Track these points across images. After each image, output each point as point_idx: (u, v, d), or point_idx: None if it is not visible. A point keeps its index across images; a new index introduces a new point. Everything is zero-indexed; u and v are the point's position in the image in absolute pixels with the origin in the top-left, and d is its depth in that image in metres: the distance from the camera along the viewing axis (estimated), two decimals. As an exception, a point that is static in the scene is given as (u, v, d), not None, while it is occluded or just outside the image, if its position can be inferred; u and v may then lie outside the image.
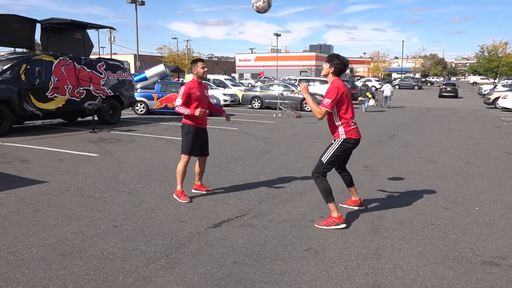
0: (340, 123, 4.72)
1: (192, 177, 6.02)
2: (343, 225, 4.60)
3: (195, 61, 5.58)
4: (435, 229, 4.61)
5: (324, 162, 4.73)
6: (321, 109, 4.59)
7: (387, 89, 24.70)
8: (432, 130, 13.71)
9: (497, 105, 23.13)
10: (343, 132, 4.71)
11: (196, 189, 5.94)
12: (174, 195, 5.60)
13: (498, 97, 23.46)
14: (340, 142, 4.73)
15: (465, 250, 4.06)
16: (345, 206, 5.31)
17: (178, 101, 5.39)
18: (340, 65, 4.66)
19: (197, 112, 5.27)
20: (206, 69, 5.55)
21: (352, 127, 4.74)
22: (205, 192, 5.89)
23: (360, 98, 21.67)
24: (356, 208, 5.27)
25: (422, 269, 3.64)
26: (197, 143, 5.56)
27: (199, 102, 5.48)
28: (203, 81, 5.66)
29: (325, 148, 4.84)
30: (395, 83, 58.66)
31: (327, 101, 4.56)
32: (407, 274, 3.54)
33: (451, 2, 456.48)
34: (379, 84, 50.39)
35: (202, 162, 5.85)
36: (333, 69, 4.67)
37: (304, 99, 20.36)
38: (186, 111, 5.36)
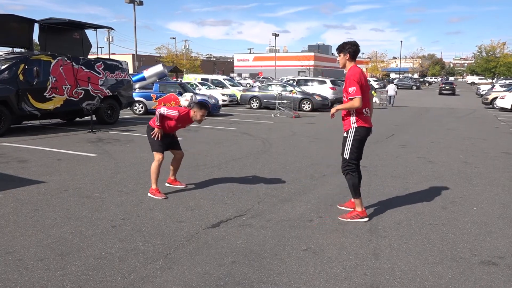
0: (354, 110, 4.67)
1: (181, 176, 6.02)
2: (366, 219, 4.81)
3: (202, 106, 5.63)
4: (433, 229, 4.62)
5: (347, 158, 4.78)
6: (353, 100, 4.53)
7: (391, 88, 25.54)
8: (430, 130, 13.74)
9: (495, 105, 23.19)
10: (354, 121, 4.70)
11: (169, 183, 6.12)
12: (149, 194, 5.66)
13: (496, 97, 23.52)
14: (353, 133, 4.72)
15: (463, 249, 4.07)
16: (343, 208, 5.21)
17: (164, 110, 5.50)
18: (352, 47, 4.68)
19: (156, 130, 5.56)
20: (204, 119, 5.66)
21: (364, 115, 4.75)
22: (178, 187, 6.04)
23: None
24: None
25: (421, 269, 3.64)
26: (164, 140, 5.70)
27: (177, 127, 5.72)
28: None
29: (342, 144, 4.86)
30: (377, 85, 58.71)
31: (352, 89, 4.53)
32: (405, 274, 3.55)
33: (449, 3, 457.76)
34: (377, 84, 50.60)
35: (179, 158, 5.99)
36: (348, 55, 4.68)
37: (302, 98, 20.41)
38: (157, 122, 5.56)
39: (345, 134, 4.79)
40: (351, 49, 4.67)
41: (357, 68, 4.70)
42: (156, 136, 5.60)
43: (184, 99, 6.01)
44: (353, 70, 4.67)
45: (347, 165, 4.79)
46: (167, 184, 6.15)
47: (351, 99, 4.55)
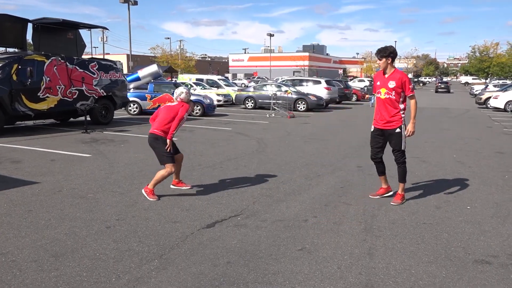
0: (403, 106, 5.35)
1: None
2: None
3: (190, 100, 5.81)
4: (428, 228, 4.64)
5: (404, 149, 5.42)
6: (414, 97, 5.37)
7: None
8: (424, 130, 13.80)
9: (489, 105, 23.35)
10: (403, 117, 5.35)
11: (174, 185, 6.03)
12: (143, 191, 5.61)
13: (490, 97, 23.68)
14: (404, 126, 5.38)
15: (457, 249, 4.09)
16: (376, 197, 5.69)
17: (184, 117, 5.58)
18: (394, 52, 5.25)
19: (170, 143, 5.52)
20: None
21: None
22: (184, 188, 5.96)
23: (367, 96, 23.85)
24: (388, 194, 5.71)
25: (415, 268, 3.66)
26: (173, 148, 5.68)
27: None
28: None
29: (395, 139, 5.39)
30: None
31: (412, 87, 5.33)
32: (400, 273, 3.56)
33: (443, 3, 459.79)
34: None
35: (180, 161, 5.95)
36: (390, 59, 5.24)
37: (297, 98, 20.44)
38: (173, 133, 5.56)
39: (398, 130, 5.35)
40: (393, 54, 5.24)
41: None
42: (169, 148, 5.51)
43: (185, 93, 5.73)
44: (400, 71, 5.38)
45: (403, 155, 5.45)
46: (172, 187, 5.99)
47: (413, 96, 5.32)
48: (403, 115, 5.33)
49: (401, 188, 5.56)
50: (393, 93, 5.24)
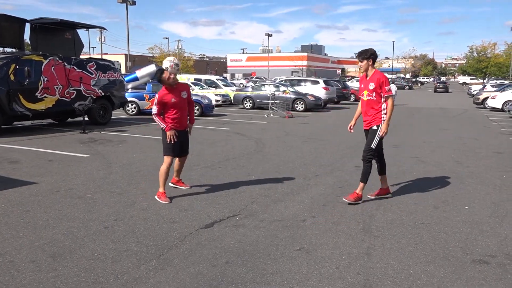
0: (384, 106, 5.36)
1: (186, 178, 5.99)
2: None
3: (161, 72, 5.43)
4: (426, 228, 4.65)
5: (374, 148, 5.41)
6: (391, 99, 5.36)
7: (393, 88, 26.36)
8: (422, 130, 13.83)
9: (486, 105, 23.39)
10: (384, 118, 5.36)
11: (173, 183, 6.05)
12: (156, 197, 5.55)
13: (487, 97, 23.71)
14: (381, 127, 5.39)
15: (455, 248, 4.10)
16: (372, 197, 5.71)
17: (154, 109, 5.43)
18: (374, 54, 5.34)
19: (168, 133, 5.41)
20: (171, 75, 5.36)
21: None
22: (182, 188, 5.97)
23: None
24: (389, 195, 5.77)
25: (413, 268, 3.67)
26: (176, 144, 5.55)
27: (176, 107, 5.46)
28: (182, 82, 5.67)
29: (370, 136, 5.43)
30: None
31: (388, 88, 5.32)
32: (398, 273, 3.57)
33: (441, 3, 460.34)
34: None
35: (182, 160, 5.94)
36: (371, 60, 5.32)
37: (296, 98, 20.44)
38: (161, 124, 5.47)
39: (374, 127, 5.38)
40: (373, 55, 5.33)
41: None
42: (170, 139, 5.44)
43: (169, 64, 5.39)
44: (380, 72, 5.41)
45: (370, 153, 5.43)
46: (170, 184, 6.03)
47: (389, 96, 5.34)
48: (384, 115, 5.37)
49: (359, 188, 5.51)
50: (374, 94, 5.33)
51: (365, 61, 5.33)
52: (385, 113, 5.36)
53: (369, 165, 5.46)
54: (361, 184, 5.51)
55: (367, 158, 5.45)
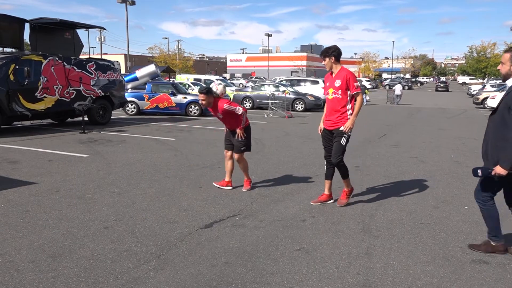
0: (350, 105, 5.18)
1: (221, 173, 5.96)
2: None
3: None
4: (425, 228, 4.65)
5: (343, 149, 5.21)
6: (360, 95, 5.15)
7: (397, 88, 27.95)
8: (422, 130, 13.83)
9: (486, 105, 23.39)
10: (350, 116, 5.17)
11: (217, 184, 6.26)
12: (220, 186, 6.12)
13: (487, 97, 23.72)
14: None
15: (455, 248, 4.10)
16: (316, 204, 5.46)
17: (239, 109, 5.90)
18: (336, 51, 5.16)
19: (238, 131, 5.95)
20: (203, 102, 5.86)
21: None
22: (230, 188, 6.17)
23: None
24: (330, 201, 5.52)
25: (413, 268, 3.67)
26: (227, 137, 6.17)
27: (226, 123, 6.11)
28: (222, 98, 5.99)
29: (336, 137, 5.21)
30: (385, 84, 59.48)
31: (357, 84, 5.13)
32: (398, 273, 3.57)
33: (441, 3, 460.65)
34: (369, 84, 51.40)
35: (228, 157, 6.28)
36: (333, 58, 5.15)
37: (295, 98, 20.44)
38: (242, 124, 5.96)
39: (341, 128, 5.15)
40: (335, 52, 5.15)
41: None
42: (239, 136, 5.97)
43: (222, 87, 6.11)
44: (346, 69, 5.23)
45: (341, 156, 5.21)
46: (214, 184, 6.27)
47: (358, 93, 5.13)
48: (350, 115, 5.15)
49: (345, 185, 5.40)
50: (339, 92, 5.11)
51: (327, 59, 5.16)
52: (351, 113, 5.14)
53: (343, 164, 5.23)
54: (345, 181, 5.35)
55: (338, 162, 5.19)
